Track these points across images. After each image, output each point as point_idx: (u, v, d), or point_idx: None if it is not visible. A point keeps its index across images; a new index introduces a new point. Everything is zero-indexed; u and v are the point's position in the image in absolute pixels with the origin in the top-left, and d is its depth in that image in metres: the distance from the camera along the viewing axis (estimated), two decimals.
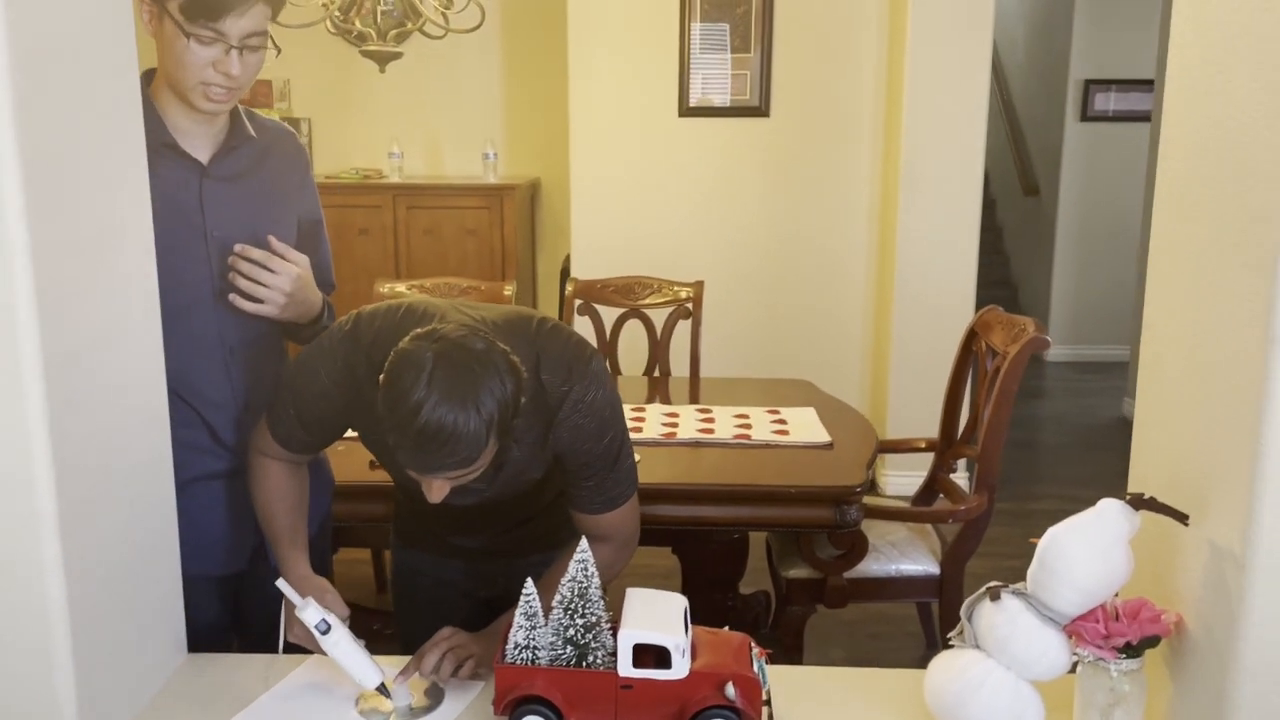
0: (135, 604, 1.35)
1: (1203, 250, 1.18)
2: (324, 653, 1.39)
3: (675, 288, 3.33)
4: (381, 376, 1.25)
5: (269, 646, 1.53)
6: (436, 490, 1.31)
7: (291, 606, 1.41)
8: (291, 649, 1.50)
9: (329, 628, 1.36)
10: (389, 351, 1.28)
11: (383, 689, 1.36)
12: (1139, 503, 1.19)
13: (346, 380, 1.43)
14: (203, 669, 1.46)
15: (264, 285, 1.57)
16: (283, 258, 1.59)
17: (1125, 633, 1.16)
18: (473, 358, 1.23)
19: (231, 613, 1.72)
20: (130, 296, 1.33)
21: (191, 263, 1.57)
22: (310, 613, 1.37)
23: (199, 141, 1.58)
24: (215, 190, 1.59)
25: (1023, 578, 1.25)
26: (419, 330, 1.28)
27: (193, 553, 1.51)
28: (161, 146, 1.53)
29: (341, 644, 1.36)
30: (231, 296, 1.57)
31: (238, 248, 1.57)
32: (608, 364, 1.69)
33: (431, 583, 1.74)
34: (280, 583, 1.41)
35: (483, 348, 1.24)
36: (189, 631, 1.51)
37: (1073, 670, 1.23)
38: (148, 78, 1.56)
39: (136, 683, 1.36)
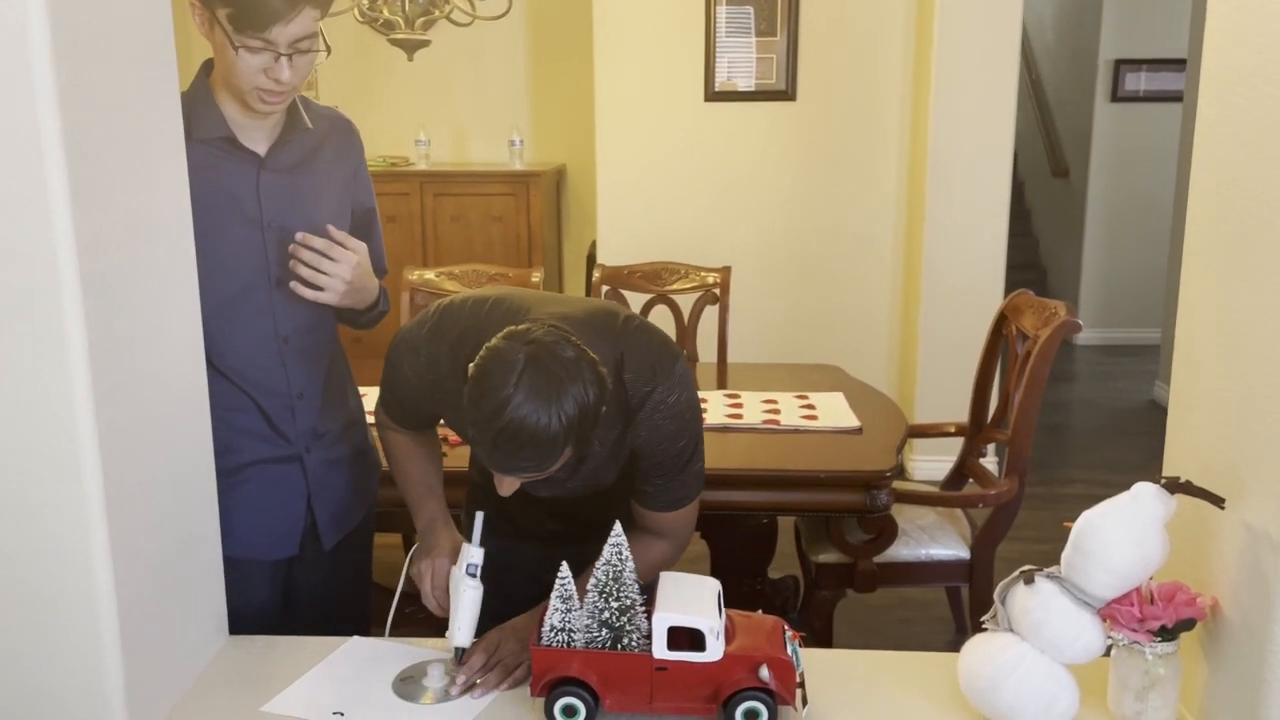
0: (179, 586, 1.38)
1: (1240, 232, 1.17)
2: (431, 604, 1.49)
3: (702, 273, 3.33)
4: (471, 367, 1.27)
5: (319, 630, 1.56)
6: (507, 486, 1.34)
7: (433, 541, 1.52)
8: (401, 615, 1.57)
9: (477, 573, 1.43)
10: (473, 347, 1.31)
11: (459, 653, 1.42)
12: (1174, 486, 1.18)
13: (429, 374, 1.47)
14: (244, 650, 1.49)
15: (325, 274, 1.59)
16: (343, 246, 1.61)
17: (1160, 616, 1.17)
18: (562, 366, 1.24)
19: (282, 597, 1.75)
20: (171, 284, 1.35)
21: (248, 252, 1.59)
22: (476, 551, 1.43)
23: (256, 135, 1.60)
24: (272, 181, 1.61)
25: (1053, 562, 1.26)
26: (513, 329, 1.29)
27: (245, 538, 1.53)
28: (220, 140, 1.56)
29: (471, 593, 1.42)
30: (293, 284, 1.60)
31: (299, 236, 1.59)
32: None
33: (497, 567, 1.76)
34: (479, 515, 1.45)
35: (573, 355, 1.25)
36: (241, 616, 1.55)
37: (1107, 654, 1.23)
38: (208, 68, 1.58)
39: (180, 663, 1.39)
